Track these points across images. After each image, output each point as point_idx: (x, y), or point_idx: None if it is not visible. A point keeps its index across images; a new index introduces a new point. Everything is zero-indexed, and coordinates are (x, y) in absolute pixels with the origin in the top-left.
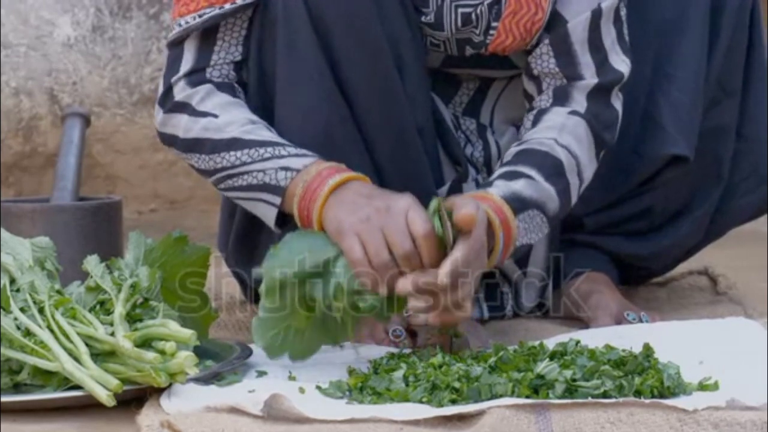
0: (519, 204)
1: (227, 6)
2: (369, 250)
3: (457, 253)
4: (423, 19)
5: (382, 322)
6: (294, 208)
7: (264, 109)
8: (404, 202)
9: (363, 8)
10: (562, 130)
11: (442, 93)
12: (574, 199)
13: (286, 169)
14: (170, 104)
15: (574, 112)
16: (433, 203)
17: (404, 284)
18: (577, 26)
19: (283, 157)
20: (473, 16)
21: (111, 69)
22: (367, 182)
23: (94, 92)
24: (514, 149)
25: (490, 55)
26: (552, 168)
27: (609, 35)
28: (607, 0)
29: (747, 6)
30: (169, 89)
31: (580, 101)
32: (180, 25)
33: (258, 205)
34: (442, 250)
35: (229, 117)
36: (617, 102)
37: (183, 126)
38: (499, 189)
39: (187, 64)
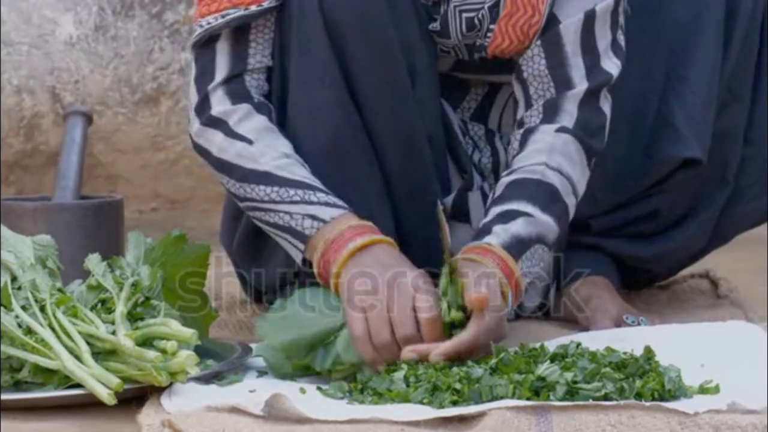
0: (520, 246)
1: (253, 7)
2: (371, 328)
3: (461, 340)
4: (431, 26)
5: None
6: (314, 262)
7: (283, 110)
8: (414, 281)
9: (377, 14)
10: (551, 152)
11: (451, 98)
12: (571, 216)
13: (313, 217)
14: (207, 117)
15: (562, 129)
16: (443, 282)
17: (405, 353)
18: (570, 27)
19: (312, 203)
20: (476, 20)
21: (113, 68)
22: (390, 246)
23: (96, 91)
24: (505, 179)
25: (494, 59)
26: (547, 196)
27: (604, 39)
28: (603, 2)
29: (759, 11)
30: (205, 98)
31: (570, 112)
32: (201, 26)
33: (284, 243)
34: (447, 332)
35: (264, 146)
36: (606, 105)
37: (218, 144)
38: (498, 237)
39: (222, 69)
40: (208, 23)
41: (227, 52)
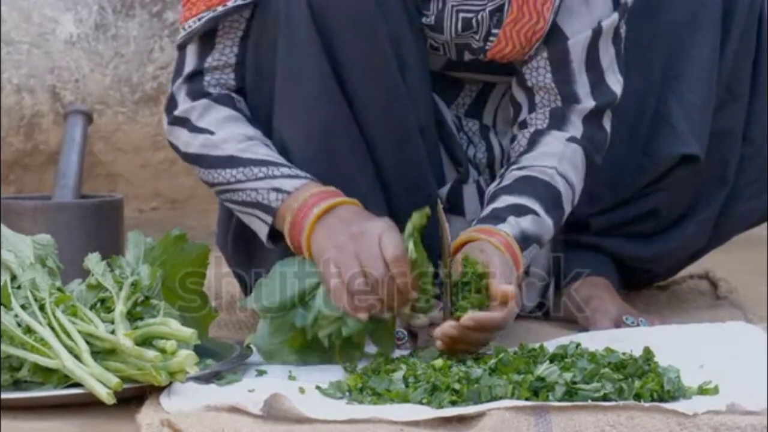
0: (524, 243)
1: (219, 8)
2: (345, 277)
3: (498, 314)
4: (424, 20)
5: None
6: (285, 233)
7: (261, 108)
8: (378, 227)
9: (365, 7)
10: (562, 159)
11: (445, 95)
12: (562, 223)
13: (277, 190)
14: (172, 116)
15: (572, 139)
16: (409, 226)
17: (444, 329)
18: (577, 44)
19: (275, 177)
20: (474, 21)
21: (113, 67)
22: (354, 206)
23: (97, 90)
24: (516, 173)
25: (489, 61)
26: (552, 199)
27: (607, 54)
28: (608, 19)
29: (756, 10)
30: (172, 97)
31: (576, 125)
32: (185, 29)
33: (253, 221)
34: (417, 272)
35: (225, 134)
36: (607, 123)
37: (183, 141)
38: (511, 227)
39: (187, 68)
40: (189, 26)
41: (193, 52)
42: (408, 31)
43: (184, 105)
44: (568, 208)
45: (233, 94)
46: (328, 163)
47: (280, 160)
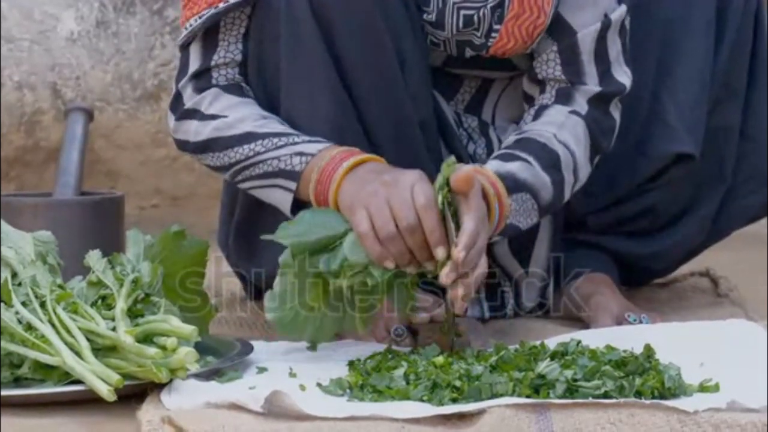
0: (512, 183)
1: (221, 5)
2: (376, 223)
3: (469, 225)
4: (425, 17)
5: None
6: (310, 193)
7: (266, 105)
8: (411, 176)
9: (364, 3)
10: (561, 127)
11: (444, 91)
12: (567, 195)
13: (300, 154)
14: (180, 111)
15: (574, 112)
16: (440, 178)
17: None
18: (586, 37)
19: (297, 143)
20: (475, 18)
21: (114, 64)
22: (381, 162)
23: (97, 87)
24: (512, 137)
25: (490, 57)
26: (549, 160)
27: (614, 46)
28: (616, 11)
29: (752, 6)
30: (178, 95)
31: (581, 104)
32: (186, 28)
33: (274, 192)
34: (444, 223)
35: (240, 115)
36: (616, 112)
37: (193, 130)
38: (493, 167)
39: (193, 66)
40: (190, 25)
41: (197, 51)
42: (408, 27)
43: (192, 99)
44: (569, 177)
45: (243, 84)
46: None
47: (299, 133)
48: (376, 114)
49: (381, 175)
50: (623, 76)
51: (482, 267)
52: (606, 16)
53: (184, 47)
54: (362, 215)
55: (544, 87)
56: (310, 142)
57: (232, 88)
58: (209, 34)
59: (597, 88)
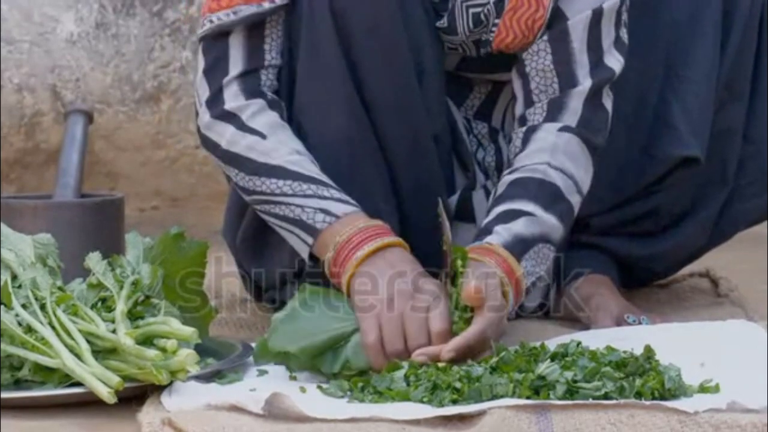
0: (522, 246)
1: (266, 4)
2: (385, 336)
3: (469, 333)
4: (438, 24)
5: None
6: (324, 265)
7: (289, 107)
8: (430, 294)
9: (388, 15)
10: (554, 151)
11: (455, 96)
12: (575, 213)
13: (325, 212)
14: (219, 110)
15: (564, 128)
16: (444, 270)
17: (416, 356)
18: (578, 24)
19: (324, 198)
20: (482, 15)
21: (114, 66)
22: (401, 249)
23: (97, 89)
24: (506, 178)
25: (499, 54)
26: (550, 196)
27: (608, 36)
28: (609, 0)
29: (757, 9)
30: (219, 91)
31: (574, 109)
32: (212, 21)
33: (291, 236)
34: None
35: (276, 142)
36: (608, 101)
37: (228, 137)
38: (500, 236)
39: (237, 64)
40: (219, 19)
41: (242, 47)
42: (428, 37)
43: (236, 101)
44: (574, 199)
45: (281, 102)
46: (343, 168)
47: (329, 181)
48: (391, 126)
49: (399, 278)
50: (614, 62)
51: (488, 351)
52: (600, 5)
53: (211, 38)
54: (372, 325)
55: (529, 84)
56: (338, 201)
57: (275, 104)
58: (253, 32)
59: (588, 83)
